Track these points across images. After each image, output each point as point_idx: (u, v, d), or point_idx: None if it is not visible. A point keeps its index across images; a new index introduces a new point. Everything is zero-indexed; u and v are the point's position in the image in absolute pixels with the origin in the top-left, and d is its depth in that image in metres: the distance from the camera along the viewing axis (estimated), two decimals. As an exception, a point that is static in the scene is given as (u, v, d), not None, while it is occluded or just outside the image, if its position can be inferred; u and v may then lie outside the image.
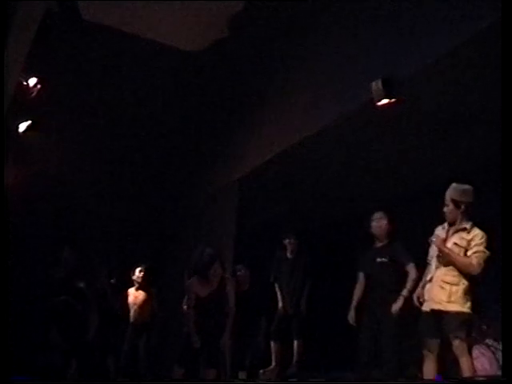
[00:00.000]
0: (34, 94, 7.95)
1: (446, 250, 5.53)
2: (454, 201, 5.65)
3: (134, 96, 9.88)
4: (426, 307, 5.66)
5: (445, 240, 5.67)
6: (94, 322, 8.21)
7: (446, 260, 5.55)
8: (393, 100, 6.94)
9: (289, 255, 8.76)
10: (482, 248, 5.50)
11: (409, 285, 6.79)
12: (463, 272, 5.50)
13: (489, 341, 7.63)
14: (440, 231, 5.76)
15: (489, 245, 5.53)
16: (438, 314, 5.49)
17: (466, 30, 6.40)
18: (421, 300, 5.76)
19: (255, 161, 9.27)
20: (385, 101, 6.95)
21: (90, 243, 10.25)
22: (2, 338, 5.37)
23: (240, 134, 9.89)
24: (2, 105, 6.66)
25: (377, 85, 6.89)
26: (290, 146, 8.56)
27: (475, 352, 7.03)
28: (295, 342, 8.53)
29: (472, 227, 5.61)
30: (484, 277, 5.69)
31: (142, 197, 11.04)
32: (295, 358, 8.49)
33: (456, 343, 5.38)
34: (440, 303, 5.49)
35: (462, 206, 5.63)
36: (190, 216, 11.04)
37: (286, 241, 8.73)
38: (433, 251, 5.74)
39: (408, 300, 6.57)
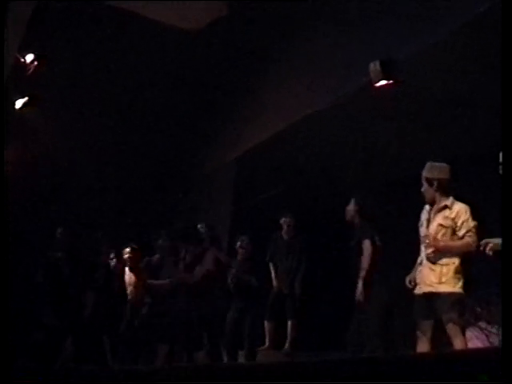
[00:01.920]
0: (31, 71, 7.92)
1: (442, 246, 5.51)
2: (426, 179, 5.63)
3: (131, 75, 9.83)
4: (418, 290, 5.65)
5: (428, 221, 5.66)
6: (90, 301, 8.24)
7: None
8: (391, 81, 6.94)
9: (285, 235, 8.76)
10: (471, 223, 5.47)
11: (363, 263, 6.89)
12: (462, 253, 5.50)
13: (482, 323, 7.68)
14: (425, 215, 5.75)
15: (474, 216, 5.50)
16: (429, 296, 5.48)
17: (463, 14, 6.41)
18: (412, 284, 5.76)
19: (252, 141, 9.28)
20: (383, 82, 6.96)
21: (86, 222, 10.24)
22: (3, 334, 5.38)
23: (237, 115, 9.91)
24: (2, 102, 6.66)
25: (375, 66, 6.90)
26: (288, 126, 8.57)
27: (468, 334, 7.06)
28: (289, 322, 8.56)
29: (453, 203, 5.57)
30: (476, 259, 5.70)
31: (139, 176, 11.03)
32: (289, 337, 8.52)
33: (449, 325, 5.37)
34: (431, 285, 5.47)
35: (435, 183, 5.58)
36: (186, 196, 11.05)
37: (282, 220, 8.71)
38: (421, 233, 5.73)
39: (367, 278, 6.74)
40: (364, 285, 6.84)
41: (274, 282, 8.65)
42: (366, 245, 6.96)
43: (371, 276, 6.88)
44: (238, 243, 8.53)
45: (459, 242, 5.49)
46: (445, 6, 6.53)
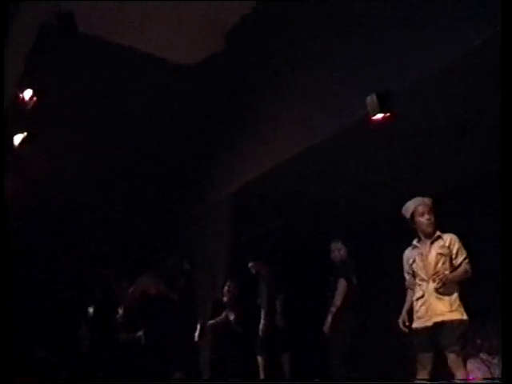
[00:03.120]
0: (29, 107, 7.96)
1: (451, 279, 5.58)
2: (432, 211, 5.72)
3: (127, 110, 9.87)
4: (421, 323, 5.65)
5: (422, 254, 5.74)
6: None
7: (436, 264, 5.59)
8: (388, 114, 7.00)
9: (264, 274, 8.83)
10: (464, 251, 5.61)
11: (336, 300, 7.26)
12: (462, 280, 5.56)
13: (483, 355, 7.64)
14: (415, 250, 5.81)
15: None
16: (438, 326, 5.49)
17: (460, 45, 6.47)
18: (407, 323, 5.79)
19: (247, 177, 9.33)
20: (380, 115, 7.02)
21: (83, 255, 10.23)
22: (2, 337, 5.40)
23: (231, 151, 9.94)
24: (2, 111, 6.67)
25: (372, 99, 6.95)
26: (283, 161, 8.61)
27: (469, 366, 7.04)
28: (281, 356, 8.58)
29: (442, 234, 5.70)
30: (476, 289, 5.76)
31: (133, 210, 11.01)
32: (284, 369, 8.55)
33: (451, 357, 5.39)
34: (442, 314, 5.51)
35: (432, 215, 5.83)
36: (181, 233, 11.05)
37: (251, 264, 8.84)
38: (416, 268, 5.76)
39: (337, 314, 7.11)
40: (333, 321, 7.18)
41: (262, 319, 8.67)
42: (341, 283, 7.33)
43: (342, 313, 7.21)
44: (225, 288, 8.63)
45: (460, 270, 5.56)
46: (443, 37, 6.60)
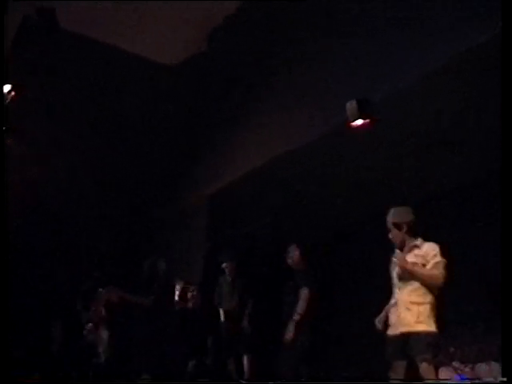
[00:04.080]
0: (7, 101, 7.88)
1: (409, 267, 5.56)
2: (395, 224, 5.71)
3: (110, 108, 9.82)
4: (392, 331, 5.65)
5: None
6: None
7: (408, 278, 5.57)
8: (367, 120, 7.02)
9: (228, 277, 8.81)
10: (439, 258, 5.55)
11: (298, 308, 7.25)
12: (429, 285, 5.52)
13: (455, 363, 7.68)
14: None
15: (444, 255, 5.56)
16: (406, 336, 5.48)
17: (440, 54, 6.51)
18: (381, 325, 5.78)
19: (226, 179, 9.32)
20: (359, 121, 7.03)
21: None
22: (2, 338, 5.38)
23: (212, 152, 9.94)
24: (2, 104, 6.61)
25: (352, 105, 6.97)
26: (263, 165, 8.61)
27: (442, 375, 7.07)
28: (244, 358, 8.59)
29: (422, 243, 5.67)
30: (450, 299, 5.75)
31: (111, 209, 10.95)
32: (246, 373, 8.55)
33: (423, 365, 5.37)
34: (408, 325, 5.49)
35: (404, 227, 5.69)
36: (159, 232, 11.02)
37: (224, 264, 8.79)
38: (394, 275, 5.76)
39: (300, 322, 7.14)
40: (295, 328, 7.19)
41: (223, 324, 8.67)
42: (304, 292, 7.30)
43: (303, 321, 7.22)
44: (189, 294, 8.60)
45: (427, 271, 5.52)
46: (422, 46, 6.63)
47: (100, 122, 9.95)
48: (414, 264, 5.55)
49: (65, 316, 8.80)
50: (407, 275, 5.57)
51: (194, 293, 8.71)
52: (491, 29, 5.86)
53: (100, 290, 8.07)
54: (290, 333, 7.24)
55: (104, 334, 8.03)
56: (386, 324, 5.76)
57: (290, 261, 7.68)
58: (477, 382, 5.53)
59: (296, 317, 7.24)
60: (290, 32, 8.15)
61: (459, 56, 6.35)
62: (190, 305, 8.64)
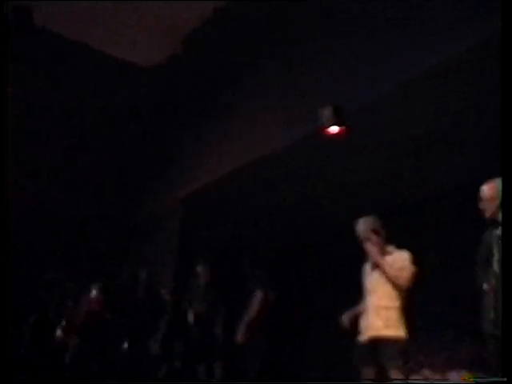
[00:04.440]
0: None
1: (380, 260, 5.60)
2: (374, 231, 5.74)
3: (81, 109, 9.76)
4: (362, 336, 5.65)
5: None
6: None
7: (378, 282, 5.62)
8: (342, 128, 7.04)
9: (201, 282, 8.73)
10: (407, 263, 5.59)
11: (250, 312, 7.33)
12: (393, 283, 5.55)
13: (426, 371, 7.70)
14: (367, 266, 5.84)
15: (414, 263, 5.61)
16: (375, 342, 5.49)
17: (416, 65, 6.55)
18: (346, 322, 5.79)
19: (198, 182, 9.31)
20: (335, 128, 7.05)
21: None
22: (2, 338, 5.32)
23: (184, 154, 9.93)
24: (3, 104, 6.51)
25: (327, 111, 6.98)
26: (236, 168, 8.61)
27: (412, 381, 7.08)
28: (215, 364, 8.57)
29: (393, 250, 5.72)
30: (420, 307, 5.78)
31: (84, 211, 10.87)
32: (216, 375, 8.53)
33: (393, 372, 5.37)
34: (377, 329, 5.50)
35: (382, 233, 5.76)
36: (131, 235, 10.96)
37: (198, 268, 8.74)
38: (365, 280, 5.79)
39: (251, 325, 7.19)
40: (246, 332, 7.25)
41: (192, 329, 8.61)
42: (257, 295, 7.38)
43: (256, 324, 7.30)
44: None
45: (393, 270, 5.55)
46: (400, 55, 6.67)
47: (74, 122, 9.88)
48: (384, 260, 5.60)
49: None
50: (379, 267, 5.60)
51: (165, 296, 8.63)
52: (484, 31, 5.93)
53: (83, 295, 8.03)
54: (240, 336, 7.27)
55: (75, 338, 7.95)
56: (353, 323, 5.76)
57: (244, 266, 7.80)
58: (478, 381, 5.54)
59: (247, 320, 7.28)
60: (271, 33, 8.13)
61: (451, 59, 6.36)
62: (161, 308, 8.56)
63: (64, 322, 8.12)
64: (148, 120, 10.06)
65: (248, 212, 9.68)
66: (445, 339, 8.04)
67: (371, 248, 5.68)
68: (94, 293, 8.21)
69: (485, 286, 4.90)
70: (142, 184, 10.88)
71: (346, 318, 5.81)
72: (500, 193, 4.93)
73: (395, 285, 5.54)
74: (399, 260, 5.62)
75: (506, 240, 4.25)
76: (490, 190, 5.06)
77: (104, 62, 9.08)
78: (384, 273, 5.56)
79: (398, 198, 8.89)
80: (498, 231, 4.89)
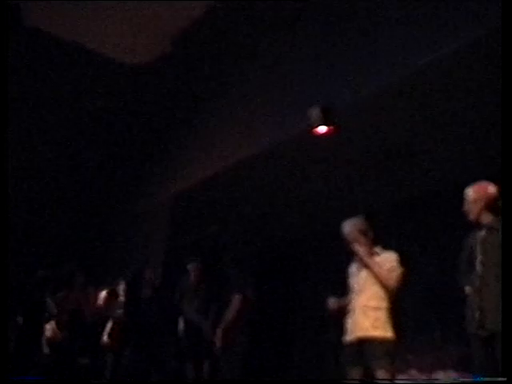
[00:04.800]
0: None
1: (370, 261, 5.60)
2: (361, 231, 5.74)
3: (69, 108, 9.73)
4: (348, 337, 5.65)
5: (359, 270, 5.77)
6: None
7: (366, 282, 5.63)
8: (330, 127, 7.04)
9: (192, 280, 8.70)
10: (395, 264, 5.59)
11: (228, 314, 7.23)
12: (383, 284, 5.55)
13: (413, 371, 7.71)
14: (353, 266, 5.83)
15: (401, 264, 5.61)
16: (362, 342, 5.49)
17: (405, 64, 6.56)
18: (332, 305, 5.79)
19: (188, 181, 9.30)
20: (323, 128, 7.05)
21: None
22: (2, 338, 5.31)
23: (174, 154, 9.92)
24: (4, 103, 6.48)
25: (315, 111, 6.97)
26: (224, 168, 8.61)
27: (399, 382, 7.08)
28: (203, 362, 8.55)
29: (381, 250, 5.72)
30: (407, 307, 5.79)
31: (73, 210, 10.84)
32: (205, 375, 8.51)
33: (380, 373, 5.37)
34: (365, 330, 5.49)
35: (370, 234, 5.75)
36: (120, 233, 10.94)
37: (189, 266, 8.72)
38: (352, 280, 5.79)
39: (227, 329, 7.12)
40: (223, 335, 7.16)
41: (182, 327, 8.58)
42: (235, 298, 7.27)
43: (234, 326, 7.22)
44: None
45: (382, 270, 5.55)
46: (387, 56, 6.68)
47: (64, 121, 9.85)
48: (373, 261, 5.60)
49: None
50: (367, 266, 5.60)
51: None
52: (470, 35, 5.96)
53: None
54: (218, 339, 7.21)
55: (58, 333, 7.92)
56: (337, 312, 5.75)
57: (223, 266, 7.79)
58: (477, 381, 5.54)
59: (225, 323, 7.22)
60: (254, 35, 8.17)
61: (441, 58, 6.36)
62: (150, 307, 8.51)
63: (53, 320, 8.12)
64: (139, 119, 10.03)
65: (236, 211, 9.68)
66: (432, 339, 8.06)
67: (360, 249, 5.67)
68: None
69: (468, 288, 4.99)
70: (131, 183, 10.86)
71: (332, 303, 5.78)
72: (485, 195, 5.02)
73: (385, 285, 5.55)
74: (387, 261, 5.63)
75: (506, 240, 4.28)
76: (474, 192, 5.13)
77: (94, 61, 9.06)
78: (374, 274, 5.56)
79: (387, 198, 8.92)
80: (482, 233, 4.99)
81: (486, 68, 6.21)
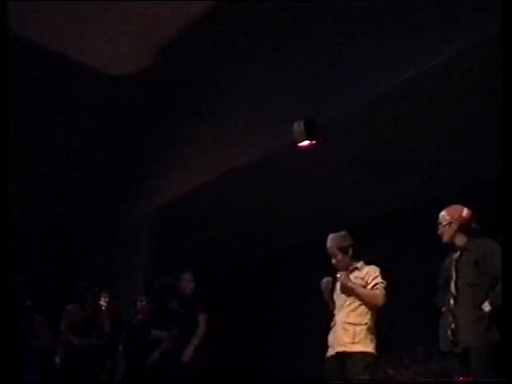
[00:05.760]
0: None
1: (351, 284, 5.59)
2: (341, 248, 5.75)
3: (52, 118, 9.71)
4: (330, 351, 5.66)
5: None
6: None
7: (347, 298, 5.61)
8: (313, 142, 7.08)
9: (183, 291, 8.66)
10: (379, 279, 5.59)
11: (197, 334, 7.41)
12: (369, 304, 5.56)
13: (394, 385, 7.71)
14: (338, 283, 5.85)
15: (385, 277, 5.61)
16: (342, 357, 5.50)
17: (388, 77, 6.61)
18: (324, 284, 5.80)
19: (172, 193, 9.30)
20: (306, 142, 7.09)
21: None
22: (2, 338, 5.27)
23: (156, 167, 9.93)
24: (5, 103, 6.46)
25: (299, 126, 7.01)
26: (210, 180, 8.62)
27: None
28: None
29: (363, 266, 5.72)
30: (390, 321, 5.80)
31: (57, 221, 10.80)
32: None
33: (360, 386, 5.38)
34: (344, 345, 5.50)
35: (350, 250, 5.75)
36: (105, 245, 10.91)
37: (175, 278, 8.67)
38: (335, 297, 5.80)
39: (198, 348, 7.34)
40: (194, 352, 7.34)
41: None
42: (201, 318, 7.47)
43: (203, 344, 7.42)
44: (138, 303, 8.45)
45: (368, 291, 5.56)
46: (370, 71, 6.73)
47: (42, 131, 9.82)
48: (356, 283, 5.60)
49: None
50: (348, 294, 5.61)
51: (142, 307, 8.53)
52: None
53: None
54: (187, 357, 7.35)
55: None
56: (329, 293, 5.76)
57: (186, 286, 7.82)
58: (477, 381, 5.55)
59: (195, 341, 7.38)
60: (239, 47, 8.19)
61: (424, 72, 6.41)
62: (136, 319, 8.47)
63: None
64: (124, 129, 10.02)
65: (220, 223, 9.70)
66: (414, 354, 8.08)
67: (342, 276, 5.65)
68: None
69: (443, 309, 5.10)
70: (116, 193, 10.83)
71: (326, 284, 5.80)
72: (459, 218, 5.14)
73: (372, 305, 5.57)
74: (370, 278, 5.63)
75: (506, 240, 4.35)
76: (447, 215, 5.24)
77: (77, 70, 9.05)
78: (358, 296, 5.56)
79: (372, 210, 8.96)
80: (456, 255, 5.14)
81: (470, 80, 6.30)
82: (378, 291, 5.54)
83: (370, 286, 5.57)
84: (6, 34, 6.42)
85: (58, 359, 7.83)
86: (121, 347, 8.15)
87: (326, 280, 5.85)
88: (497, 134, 4.56)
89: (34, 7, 7.88)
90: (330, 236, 5.83)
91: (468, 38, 5.84)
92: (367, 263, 5.75)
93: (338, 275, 5.66)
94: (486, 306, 4.73)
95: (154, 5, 7.71)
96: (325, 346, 5.67)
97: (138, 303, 8.33)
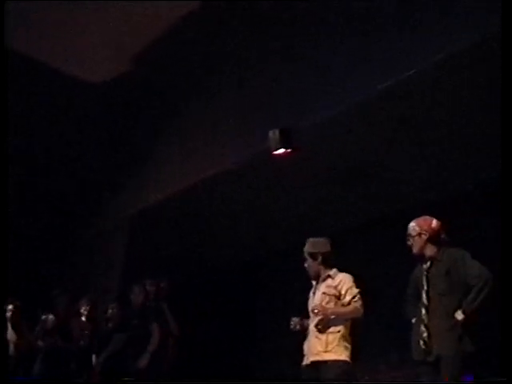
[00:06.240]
0: None
1: (330, 312, 5.57)
2: (311, 254, 5.77)
3: (32, 123, 9.66)
4: (305, 361, 5.67)
5: (314, 293, 5.78)
6: None
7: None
8: (289, 150, 7.11)
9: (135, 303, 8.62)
10: (355, 290, 5.60)
11: (152, 343, 7.56)
12: (351, 319, 5.58)
13: (371, 391, 7.76)
14: (312, 289, 5.85)
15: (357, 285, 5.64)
16: (316, 366, 5.51)
17: (365, 85, 6.64)
18: (294, 323, 5.79)
19: (148, 201, 9.30)
20: (281, 150, 7.12)
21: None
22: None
23: (134, 173, 9.90)
24: (4, 104, 6.40)
25: (274, 134, 7.04)
26: (186, 188, 8.61)
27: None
28: None
29: (335, 273, 5.72)
30: (365, 328, 5.82)
31: (33, 232, 10.74)
32: None
33: (334, 394, 5.40)
34: (318, 354, 5.51)
35: (320, 257, 5.74)
36: (77, 256, 10.88)
37: (150, 284, 8.63)
38: (308, 303, 5.81)
39: (152, 359, 7.46)
40: (150, 360, 7.46)
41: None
42: (154, 327, 7.63)
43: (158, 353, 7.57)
44: (109, 311, 8.40)
45: (347, 308, 5.57)
46: (351, 80, 6.75)
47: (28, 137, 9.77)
48: (334, 307, 5.58)
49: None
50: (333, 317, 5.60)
51: (114, 314, 8.48)
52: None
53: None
54: (142, 365, 7.44)
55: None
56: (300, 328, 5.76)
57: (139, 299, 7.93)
58: (478, 381, 5.59)
59: (151, 348, 7.49)
60: (223, 52, 8.21)
61: (405, 79, 6.41)
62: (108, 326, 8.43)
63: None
64: (102, 135, 9.98)
65: (197, 230, 9.69)
66: (389, 360, 8.12)
67: (318, 305, 5.63)
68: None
69: (414, 319, 5.14)
70: (90, 202, 10.78)
71: (295, 322, 5.79)
72: (428, 229, 5.19)
73: (354, 318, 5.60)
74: (345, 287, 5.62)
75: (506, 240, 4.39)
76: (417, 226, 5.29)
77: (57, 78, 9.01)
78: (341, 316, 5.57)
79: (349, 218, 8.99)
80: (426, 265, 5.18)
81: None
82: (357, 304, 5.56)
83: (347, 299, 5.58)
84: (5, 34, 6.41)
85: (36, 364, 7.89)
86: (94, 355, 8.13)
87: (294, 320, 5.84)
88: (497, 134, 4.61)
89: (34, 7, 7.84)
90: (310, 240, 5.85)
91: (468, 37, 5.84)
92: (340, 270, 5.78)
93: (316, 310, 5.63)
94: (459, 315, 4.80)
95: (153, 4, 7.70)
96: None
97: (109, 311, 8.29)
